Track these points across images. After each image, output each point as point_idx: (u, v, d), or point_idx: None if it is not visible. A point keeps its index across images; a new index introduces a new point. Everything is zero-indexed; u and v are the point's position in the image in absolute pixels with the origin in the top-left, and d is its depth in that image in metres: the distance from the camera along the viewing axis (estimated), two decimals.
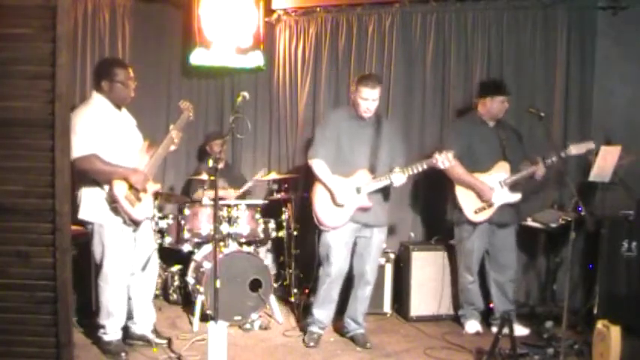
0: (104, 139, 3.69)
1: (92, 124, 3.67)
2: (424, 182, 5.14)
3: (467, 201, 4.41)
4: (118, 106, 3.87)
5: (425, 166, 4.07)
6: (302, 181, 5.24)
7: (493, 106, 4.47)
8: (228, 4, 5.50)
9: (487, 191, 4.37)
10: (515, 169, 4.46)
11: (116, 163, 3.71)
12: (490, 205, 4.39)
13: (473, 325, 4.53)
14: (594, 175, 4.42)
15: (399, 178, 4.05)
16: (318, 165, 4.11)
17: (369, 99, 4.06)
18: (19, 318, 2.79)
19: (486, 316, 4.63)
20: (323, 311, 4.22)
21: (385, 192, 4.19)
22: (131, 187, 3.73)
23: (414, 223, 5.29)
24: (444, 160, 3.98)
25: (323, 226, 4.13)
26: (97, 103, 3.80)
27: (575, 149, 4.31)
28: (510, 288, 4.55)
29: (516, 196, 4.48)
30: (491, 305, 4.57)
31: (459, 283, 4.65)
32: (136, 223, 3.82)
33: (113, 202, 3.70)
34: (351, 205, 4.07)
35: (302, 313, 4.64)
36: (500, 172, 4.45)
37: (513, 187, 4.46)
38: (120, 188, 3.70)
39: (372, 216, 4.12)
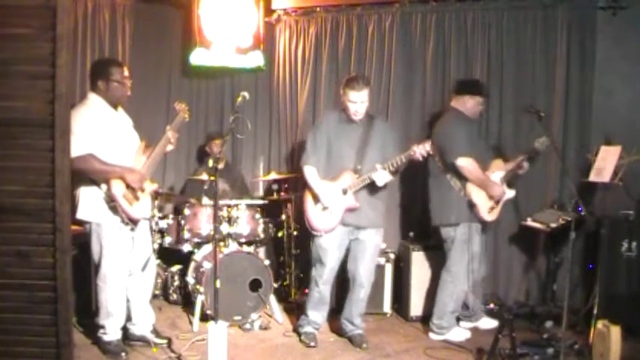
0: (101, 139, 3.69)
1: (89, 123, 3.68)
2: (424, 182, 5.13)
3: (481, 200, 4.30)
4: (114, 106, 3.87)
5: (404, 159, 3.98)
6: (302, 181, 5.23)
7: (469, 105, 4.38)
8: (228, 4, 5.49)
9: (500, 190, 4.31)
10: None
11: (113, 162, 3.72)
12: (498, 204, 4.36)
13: (463, 332, 4.37)
14: (594, 175, 4.42)
15: (381, 175, 4.00)
16: (309, 171, 4.16)
17: (357, 101, 4.04)
18: (19, 318, 2.78)
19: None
20: (317, 312, 4.25)
21: (375, 192, 4.12)
22: (128, 186, 3.74)
23: (413, 222, 5.29)
24: (422, 151, 3.92)
25: (315, 231, 4.15)
26: (94, 103, 3.81)
27: (539, 144, 4.30)
28: (480, 285, 4.56)
29: (513, 192, 4.45)
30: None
31: (451, 292, 4.30)
32: (134, 222, 3.82)
33: (111, 202, 3.70)
34: (338, 207, 4.08)
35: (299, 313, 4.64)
36: (499, 168, 4.41)
37: (509, 183, 4.43)
38: (117, 187, 3.70)
39: (363, 217, 4.11)
